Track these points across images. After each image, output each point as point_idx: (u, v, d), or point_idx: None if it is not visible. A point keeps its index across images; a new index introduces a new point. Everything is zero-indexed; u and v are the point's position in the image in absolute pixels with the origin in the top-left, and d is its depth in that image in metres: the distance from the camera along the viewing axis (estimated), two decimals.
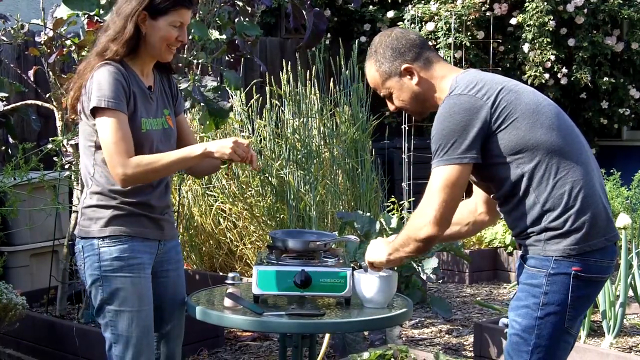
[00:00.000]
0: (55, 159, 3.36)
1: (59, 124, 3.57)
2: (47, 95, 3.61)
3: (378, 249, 1.96)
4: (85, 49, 3.29)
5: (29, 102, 3.75)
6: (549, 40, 6.10)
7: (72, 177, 3.51)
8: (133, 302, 2.01)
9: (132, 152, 1.93)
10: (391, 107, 1.97)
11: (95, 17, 3.12)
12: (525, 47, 6.20)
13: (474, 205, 2.04)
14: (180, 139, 2.14)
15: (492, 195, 1.89)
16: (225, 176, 4.48)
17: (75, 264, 3.57)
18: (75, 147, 3.47)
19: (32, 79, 3.61)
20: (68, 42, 3.36)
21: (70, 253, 2.13)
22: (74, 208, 3.56)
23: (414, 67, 1.88)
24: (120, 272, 2.00)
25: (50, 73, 3.50)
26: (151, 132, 2.02)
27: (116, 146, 1.92)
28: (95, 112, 1.94)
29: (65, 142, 3.43)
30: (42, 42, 3.45)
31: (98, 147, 1.99)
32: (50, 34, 3.39)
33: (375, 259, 1.96)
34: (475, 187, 2.00)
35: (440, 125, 1.78)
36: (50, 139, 3.45)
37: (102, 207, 2.00)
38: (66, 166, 3.47)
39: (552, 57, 6.11)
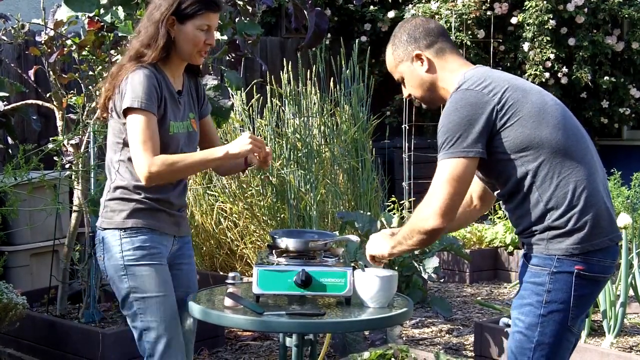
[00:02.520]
0: (55, 158, 3.37)
1: (59, 123, 3.57)
2: (48, 95, 3.61)
3: (379, 243, 1.95)
4: (86, 48, 3.29)
5: (29, 102, 3.75)
6: (548, 39, 6.10)
7: (73, 177, 3.51)
8: (159, 288, 2.05)
9: (157, 152, 1.99)
10: (404, 93, 1.99)
11: (96, 17, 3.12)
12: (525, 46, 6.20)
13: (469, 199, 2.04)
14: (206, 141, 2.21)
15: (496, 193, 1.90)
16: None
17: (76, 263, 3.60)
18: (76, 146, 3.47)
19: (32, 78, 3.61)
20: (69, 42, 3.36)
21: (92, 245, 2.17)
22: (74, 208, 3.56)
23: (424, 54, 1.90)
24: (143, 261, 2.05)
25: (51, 73, 3.50)
26: (177, 135, 2.09)
27: (143, 145, 1.97)
28: (128, 111, 1.99)
29: (65, 141, 3.43)
30: (43, 42, 3.45)
31: (126, 144, 2.04)
32: (51, 33, 3.39)
33: (377, 252, 1.95)
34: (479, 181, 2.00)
35: (447, 119, 1.78)
36: (50, 138, 3.45)
37: (125, 200, 2.06)
38: (66, 166, 3.47)
39: (552, 56, 6.11)
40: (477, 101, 1.77)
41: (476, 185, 2.01)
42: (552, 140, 1.77)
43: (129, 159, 2.03)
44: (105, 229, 2.08)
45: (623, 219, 3.27)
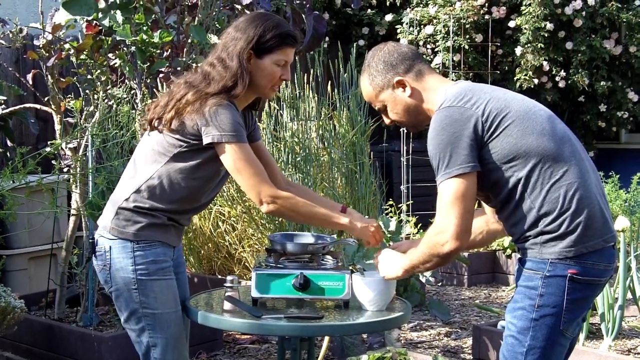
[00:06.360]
0: (53, 162, 3.36)
1: (57, 127, 3.57)
2: (46, 99, 3.61)
3: (392, 264, 1.95)
4: (84, 52, 3.29)
5: (27, 105, 3.76)
6: (542, 45, 6.12)
7: (71, 181, 3.51)
8: (170, 304, 2.04)
9: (269, 180, 2.03)
10: (386, 120, 1.98)
11: (94, 21, 3.13)
12: (518, 50, 6.22)
13: (487, 214, 2.04)
14: (264, 165, 2.13)
15: (489, 203, 1.90)
16: None
17: (74, 267, 3.59)
18: (74, 150, 3.47)
19: (30, 82, 3.61)
20: (67, 46, 3.36)
21: (91, 250, 2.12)
22: (72, 211, 3.56)
23: (405, 80, 1.90)
24: (156, 276, 2.02)
25: (49, 76, 3.50)
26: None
27: (258, 177, 1.98)
28: (225, 144, 1.96)
29: (63, 145, 3.43)
30: (41, 46, 3.45)
31: (174, 160, 2.00)
32: (49, 37, 3.39)
33: (391, 275, 1.96)
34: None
35: (435, 140, 1.78)
36: (48, 142, 3.46)
37: (141, 213, 2.02)
38: (64, 169, 3.46)
39: (545, 62, 6.13)
40: (460, 117, 1.77)
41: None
42: (538, 147, 1.77)
43: (169, 176, 2.00)
44: (115, 238, 2.03)
45: (621, 222, 3.27)
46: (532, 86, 6.16)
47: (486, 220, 2.04)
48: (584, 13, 6.22)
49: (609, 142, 7.09)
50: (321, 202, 2.18)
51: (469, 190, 1.76)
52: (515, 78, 6.21)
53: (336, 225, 2.08)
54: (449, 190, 1.76)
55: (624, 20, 6.28)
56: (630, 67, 6.54)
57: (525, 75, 6.15)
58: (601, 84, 6.35)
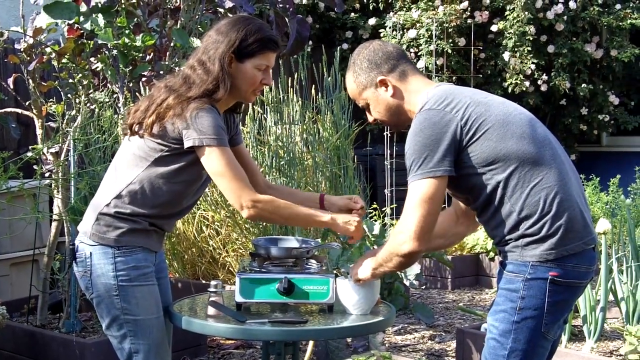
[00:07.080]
0: (35, 167, 3.33)
1: (39, 131, 3.53)
2: (27, 103, 3.57)
3: (364, 265, 1.97)
4: (66, 56, 3.27)
5: (8, 110, 3.72)
6: (529, 49, 6.17)
7: (52, 186, 3.48)
8: (152, 309, 2.03)
9: (250, 184, 2.02)
10: (369, 118, 2.00)
11: (76, 25, 3.11)
12: (506, 55, 6.27)
13: (454, 215, 2.06)
14: (246, 171, 2.12)
15: (470, 206, 1.91)
16: None
17: (56, 273, 3.56)
18: (56, 155, 3.44)
19: (11, 86, 3.58)
20: (48, 50, 3.33)
21: (71, 256, 2.10)
22: (54, 217, 3.52)
23: (388, 79, 1.91)
24: (137, 281, 2.01)
25: (30, 81, 3.47)
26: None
27: (238, 181, 1.97)
28: (206, 148, 1.96)
29: (45, 150, 3.40)
30: (22, 50, 3.42)
31: (155, 164, 1.99)
32: (30, 41, 3.36)
33: (362, 276, 1.98)
34: (454, 198, 2.02)
35: (412, 141, 1.79)
36: (30, 147, 3.42)
37: (121, 219, 2.01)
38: (46, 174, 3.43)
39: (533, 66, 6.18)
40: (439, 120, 1.78)
41: (458, 203, 2.03)
42: (518, 151, 1.77)
43: (151, 182, 1.99)
44: (95, 243, 2.01)
45: (602, 225, 3.31)
46: (525, 89, 6.21)
47: (452, 221, 2.06)
48: (565, 17, 6.29)
49: (591, 145, 7.17)
50: (302, 196, 2.21)
51: (437, 194, 1.77)
52: (507, 83, 6.25)
53: (319, 224, 2.10)
54: (418, 191, 1.77)
55: (605, 23, 6.36)
56: (611, 71, 6.62)
57: (517, 79, 6.20)
58: (582, 86, 6.42)
